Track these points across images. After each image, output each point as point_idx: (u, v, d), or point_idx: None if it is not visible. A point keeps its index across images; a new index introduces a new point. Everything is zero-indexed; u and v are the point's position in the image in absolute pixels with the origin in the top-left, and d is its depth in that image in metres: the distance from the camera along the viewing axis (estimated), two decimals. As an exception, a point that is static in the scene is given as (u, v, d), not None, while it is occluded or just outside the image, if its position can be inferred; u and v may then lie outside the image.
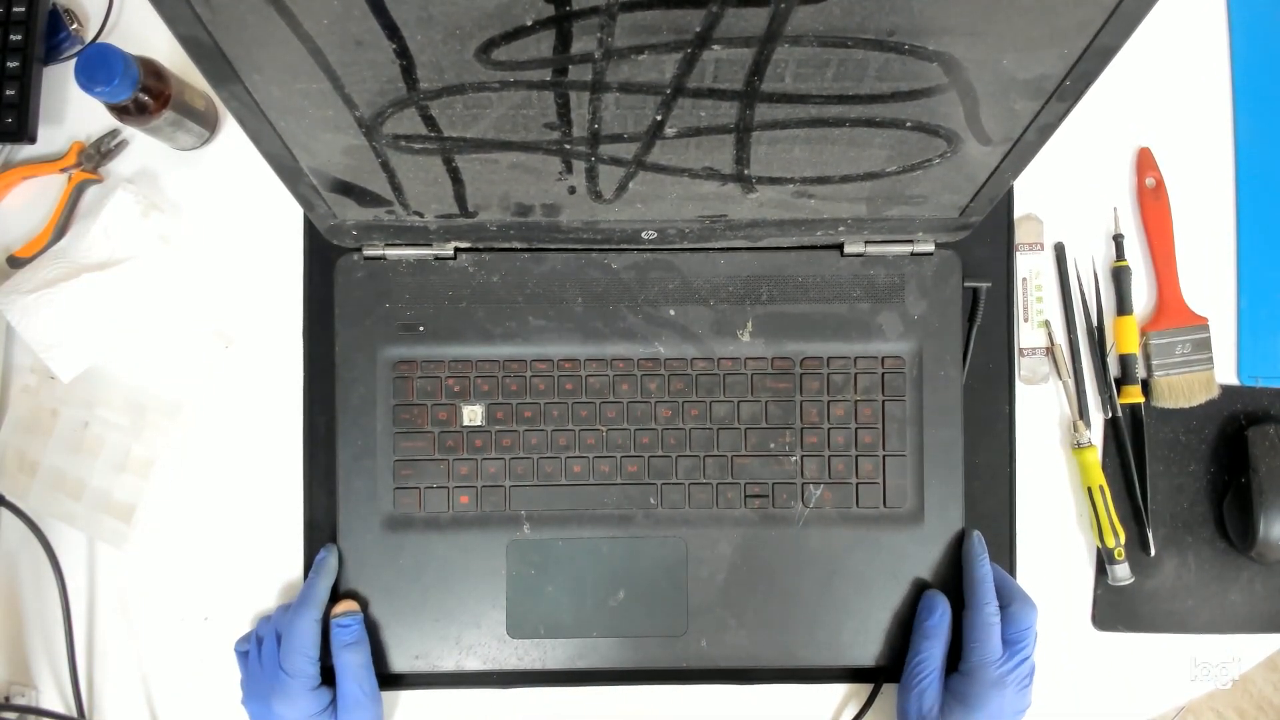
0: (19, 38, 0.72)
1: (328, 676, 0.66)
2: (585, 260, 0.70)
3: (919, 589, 0.68)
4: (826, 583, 0.68)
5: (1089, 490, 0.71)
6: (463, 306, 0.70)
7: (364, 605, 0.68)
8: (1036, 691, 0.70)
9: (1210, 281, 0.74)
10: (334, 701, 0.65)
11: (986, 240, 0.73)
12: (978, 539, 0.68)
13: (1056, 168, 0.72)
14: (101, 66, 0.63)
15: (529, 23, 0.43)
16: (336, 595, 0.68)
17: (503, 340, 0.69)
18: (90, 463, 0.70)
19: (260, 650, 0.66)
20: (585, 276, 0.70)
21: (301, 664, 0.63)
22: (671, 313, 0.70)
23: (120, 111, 0.66)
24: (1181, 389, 0.72)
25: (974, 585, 0.66)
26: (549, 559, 0.68)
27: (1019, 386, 0.73)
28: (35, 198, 0.74)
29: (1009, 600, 0.65)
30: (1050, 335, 0.73)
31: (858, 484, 0.69)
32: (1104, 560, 0.70)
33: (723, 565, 0.69)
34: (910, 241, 0.69)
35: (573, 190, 0.60)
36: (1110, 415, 0.72)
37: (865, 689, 0.71)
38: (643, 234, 0.66)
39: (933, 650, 0.66)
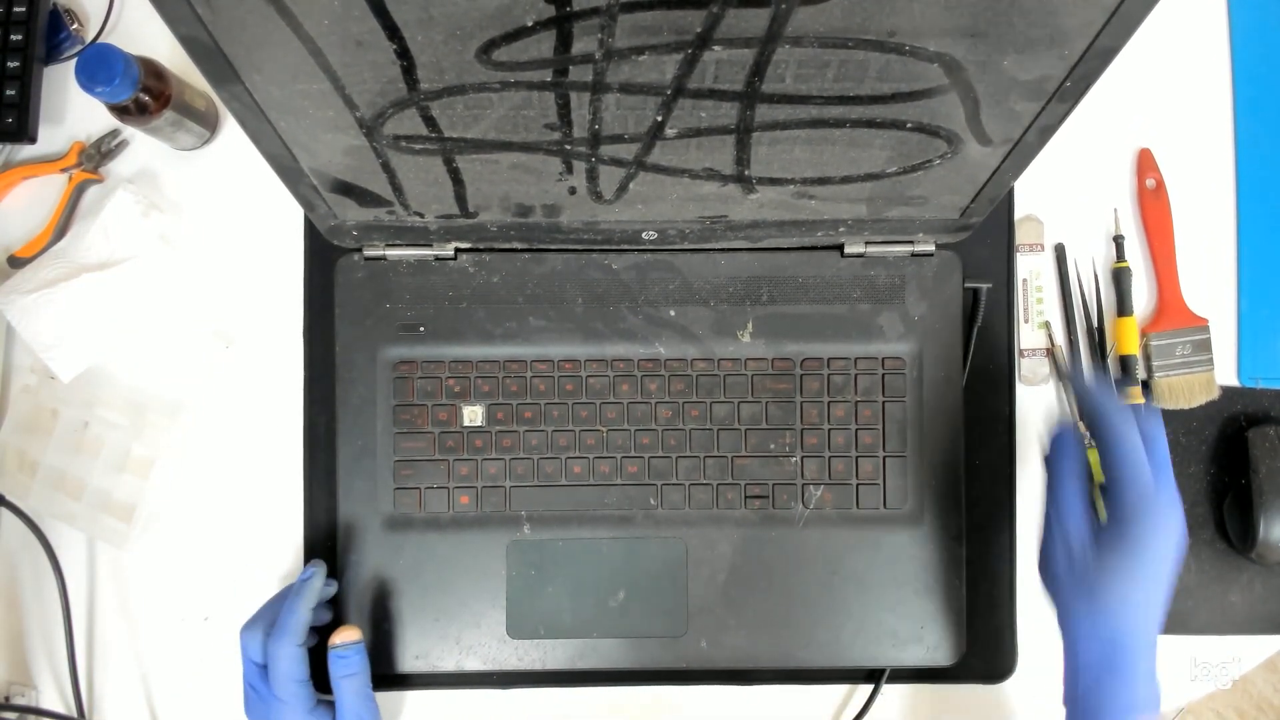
0: (19, 38, 0.72)
1: (325, 683, 0.65)
2: (585, 261, 0.70)
3: (919, 589, 0.68)
4: (826, 583, 0.68)
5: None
6: (463, 307, 0.70)
7: (364, 605, 0.68)
8: (1034, 691, 0.71)
9: (1210, 282, 0.74)
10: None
11: (987, 241, 0.73)
12: (1078, 370, 0.62)
13: (1057, 169, 0.72)
14: (102, 66, 0.63)
15: (529, 23, 0.43)
16: (339, 600, 0.68)
17: (503, 341, 0.69)
18: (90, 463, 0.70)
19: (249, 667, 0.63)
20: (585, 277, 0.70)
21: (291, 689, 0.61)
22: (672, 313, 0.70)
23: (120, 111, 0.66)
24: (1182, 390, 0.72)
25: (1102, 414, 0.58)
26: (549, 559, 0.68)
27: (1019, 387, 0.73)
28: (35, 198, 0.74)
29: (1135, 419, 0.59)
30: (1050, 336, 0.73)
31: (858, 484, 0.69)
32: (1104, 561, 0.70)
33: (723, 566, 0.69)
34: (910, 242, 0.69)
35: (573, 191, 0.60)
36: (1110, 416, 0.72)
37: (865, 689, 0.71)
38: (643, 234, 0.66)
39: (1071, 492, 0.59)
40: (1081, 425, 0.68)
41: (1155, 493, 0.56)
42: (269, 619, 0.63)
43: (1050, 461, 0.61)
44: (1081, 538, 0.58)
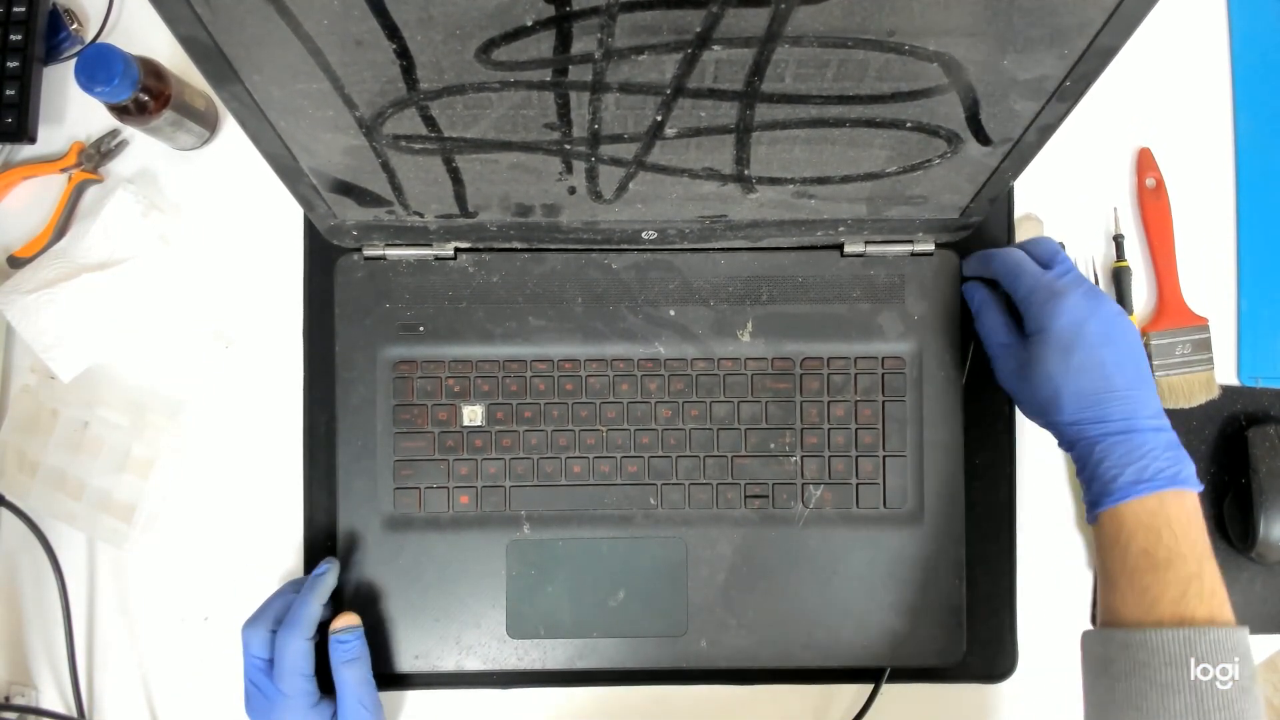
0: (19, 38, 0.72)
1: (328, 683, 0.65)
2: (585, 260, 0.70)
3: (919, 589, 0.68)
4: (826, 583, 0.68)
5: (1089, 490, 0.70)
6: (463, 306, 0.70)
7: (364, 605, 0.68)
8: (1034, 691, 0.71)
9: (1210, 282, 0.74)
10: (335, 715, 0.64)
11: (987, 240, 0.73)
12: (968, 259, 0.70)
13: (1056, 168, 0.72)
14: (101, 66, 0.63)
15: (529, 23, 0.43)
16: (339, 596, 0.68)
17: (503, 340, 0.69)
18: (90, 463, 0.70)
19: (250, 664, 0.63)
20: (585, 277, 0.70)
21: (298, 683, 0.62)
22: (671, 313, 0.70)
23: (120, 111, 0.66)
24: (1182, 389, 0.72)
25: (987, 258, 0.67)
26: (549, 559, 0.68)
27: (1019, 387, 0.73)
28: (35, 198, 0.74)
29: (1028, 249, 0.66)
30: (1050, 335, 0.73)
31: (858, 484, 0.69)
32: (1104, 560, 0.70)
33: (723, 565, 0.68)
34: (910, 241, 0.69)
35: (573, 190, 0.60)
36: (1110, 415, 0.72)
37: (865, 689, 0.71)
38: (643, 234, 0.66)
39: (988, 319, 0.66)
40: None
41: (1044, 286, 0.61)
42: (273, 614, 0.64)
43: (973, 312, 0.68)
44: (1016, 351, 0.63)
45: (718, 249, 0.70)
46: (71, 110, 0.75)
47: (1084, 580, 0.72)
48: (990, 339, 0.66)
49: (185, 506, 0.72)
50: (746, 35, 0.44)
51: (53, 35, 0.74)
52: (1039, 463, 0.73)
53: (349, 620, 0.65)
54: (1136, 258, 0.74)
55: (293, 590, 0.66)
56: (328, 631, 0.65)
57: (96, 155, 0.74)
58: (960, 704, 0.72)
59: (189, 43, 0.45)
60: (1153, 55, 0.74)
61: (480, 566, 0.68)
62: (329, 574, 0.66)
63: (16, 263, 0.73)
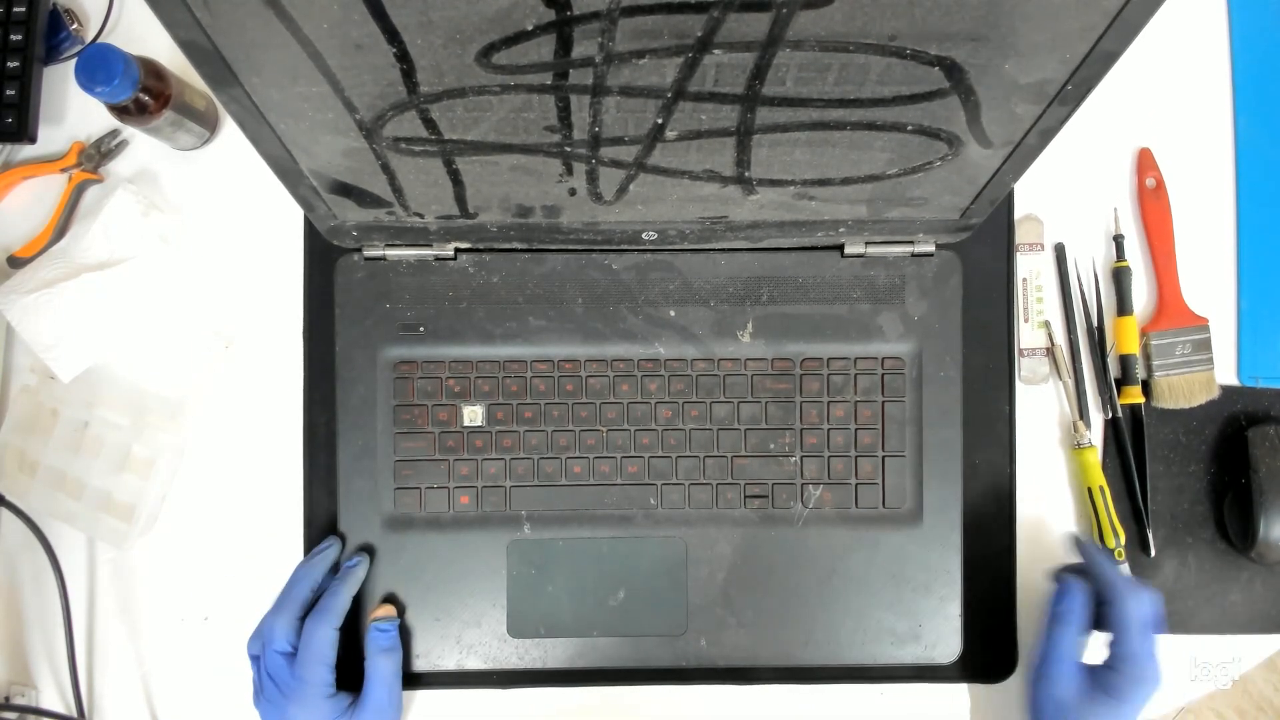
0: (19, 38, 0.72)
1: (342, 681, 0.65)
2: (585, 261, 0.70)
3: (917, 589, 0.68)
4: (826, 582, 0.68)
5: (1089, 490, 0.71)
6: (463, 307, 0.70)
7: (365, 604, 0.68)
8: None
9: (1210, 282, 0.74)
10: (352, 705, 0.64)
11: (987, 241, 0.73)
12: (1083, 542, 0.66)
13: (1057, 168, 0.72)
14: (102, 66, 0.62)
15: (530, 27, 0.42)
16: (365, 595, 0.69)
17: (503, 341, 0.69)
18: (90, 463, 0.70)
19: (271, 654, 0.63)
20: (585, 277, 0.70)
21: (320, 672, 0.62)
22: (672, 313, 0.70)
23: (120, 111, 0.66)
24: (1182, 389, 0.72)
25: (1111, 580, 0.62)
26: (549, 559, 0.69)
27: (1019, 387, 0.73)
28: (35, 198, 0.74)
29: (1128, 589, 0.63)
30: (1050, 336, 0.73)
31: (857, 484, 0.69)
32: (1103, 561, 0.70)
33: (722, 565, 0.69)
34: (911, 243, 0.69)
35: (573, 192, 0.60)
36: (1110, 415, 0.72)
37: (865, 689, 0.71)
38: (643, 235, 0.66)
39: (1067, 638, 0.63)
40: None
41: (1154, 674, 0.60)
42: (298, 603, 0.64)
43: (1054, 610, 0.64)
44: (1070, 688, 0.61)
45: (718, 250, 0.70)
46: (71, 110, 0.75)
47: (1083, 580, 0.72)
48: (1059, 650, 0.63)
49: (185, 506, 0.72)
50: (748, 40, 0.43)
51: (53, 35, 0.74)
52: (1039, 463, 0.73)
53: (389, 611, 0.67)
54: (1136, 258, 0.74)
55: (305, 576, 0.66)
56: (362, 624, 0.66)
57: (96, 155, 0.74)
58: (960, 703, 0.72)
59: (188, 46, 0.44)
60: (1153, 56, 0.74)
61: (481, 566, 0.69)
62: (360, 566, 0.67)
63: (16, 263, 0.73)
